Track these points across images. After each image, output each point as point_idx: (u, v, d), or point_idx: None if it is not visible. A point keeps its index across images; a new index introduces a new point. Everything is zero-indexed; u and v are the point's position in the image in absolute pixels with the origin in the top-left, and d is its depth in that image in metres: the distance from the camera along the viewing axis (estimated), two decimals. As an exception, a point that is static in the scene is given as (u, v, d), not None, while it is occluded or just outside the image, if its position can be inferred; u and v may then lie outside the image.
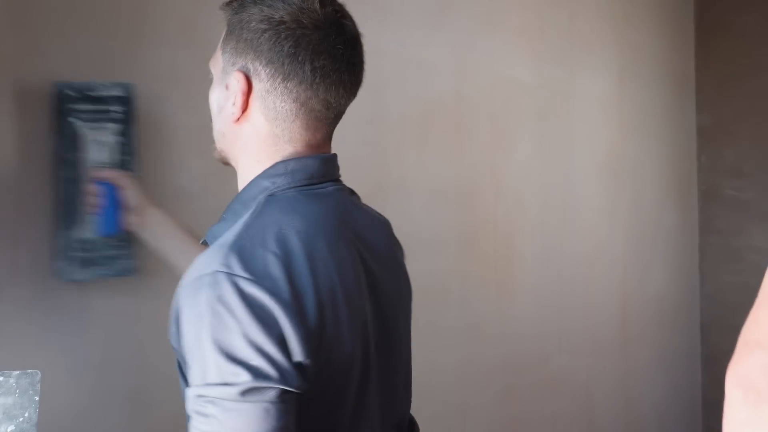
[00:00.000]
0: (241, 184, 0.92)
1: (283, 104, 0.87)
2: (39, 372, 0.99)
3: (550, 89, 2.45)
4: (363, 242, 0.92)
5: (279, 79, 0.86)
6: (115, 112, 1.27)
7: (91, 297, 1.40)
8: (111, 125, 1.26)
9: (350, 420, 0.84)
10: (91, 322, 1.40)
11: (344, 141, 1.82)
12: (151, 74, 1.49)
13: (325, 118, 0.91)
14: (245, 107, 0.89)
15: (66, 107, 1.24)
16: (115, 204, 1.21)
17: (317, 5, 0.86)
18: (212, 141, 1.03)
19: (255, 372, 0.72)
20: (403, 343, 0.98)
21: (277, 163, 0.88)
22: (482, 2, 2.21)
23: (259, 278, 0.76)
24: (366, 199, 1.86)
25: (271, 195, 0.86)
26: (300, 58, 0.85)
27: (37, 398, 0.98)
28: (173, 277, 1.04)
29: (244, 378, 0.72)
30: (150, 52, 1.49)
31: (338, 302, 0.81)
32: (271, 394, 0.72)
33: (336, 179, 0.96)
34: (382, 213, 1.94)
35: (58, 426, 1.33)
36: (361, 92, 1.90)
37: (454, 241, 2.08)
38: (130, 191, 1.23)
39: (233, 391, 0.71)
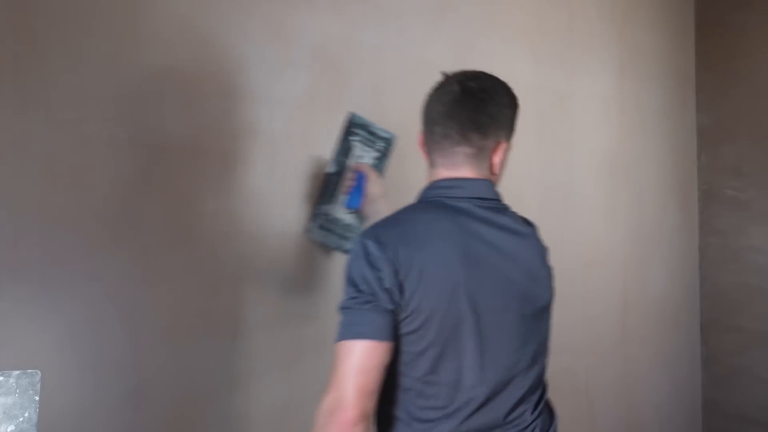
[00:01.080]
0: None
1: None
2: (39, 372, 0.99)
3: (550, 89, 2.45)
4: (477, 240, 1.16)
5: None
6: (379, 145, 1.78)
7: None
8: (373, 152, 1.76)
9: (442, 359, 1.11)
10: (91, 322, 1.40)
11: (344, 141, 1.83)
12: (151, 74, 1.49)
13: None
14: None
15: (352, 130, 1.72)
16: (361, 189, 1.66)
17: None
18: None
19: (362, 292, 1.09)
20: (511, 318, 1.17)
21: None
22: (482, 2, 2.21)
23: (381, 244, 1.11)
24: (365, 198, 1.86)
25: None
26: None
27: (37, 398, 0.98)
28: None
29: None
30: (150, 52, 1.49)
31: (427, 269, 1.09)
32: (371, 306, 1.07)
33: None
34: (384, 212, 1.94)
35: (58, 426, 1.33)
36: (361, 92, 1.91)
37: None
38: (371, 183, 1.64)
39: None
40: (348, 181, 1.69)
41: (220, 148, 1.59)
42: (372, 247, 1.10)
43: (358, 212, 1.69)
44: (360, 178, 1.67)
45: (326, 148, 1.78)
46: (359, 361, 1.05)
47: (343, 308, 1.10)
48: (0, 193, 1.30)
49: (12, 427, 0.95)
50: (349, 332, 1.07)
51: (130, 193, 1.46)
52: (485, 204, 1.20)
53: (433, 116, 1.24)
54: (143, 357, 1.47)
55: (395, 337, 1.09)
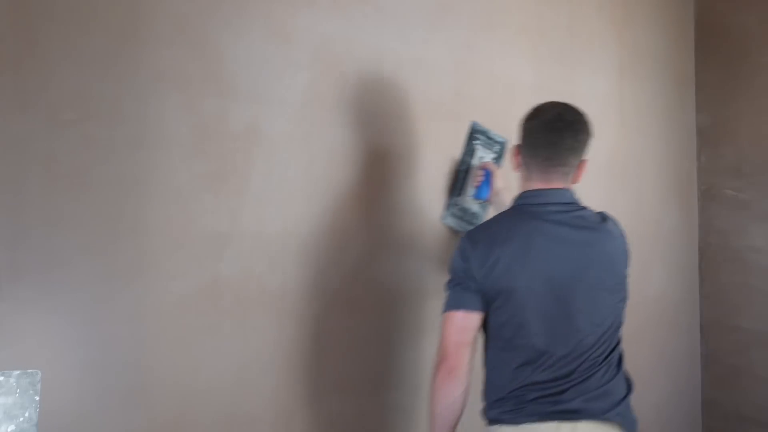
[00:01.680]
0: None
1: None
2: (39, 372, 0.99)
3: (550, 89, 2.45)
4: (548, 236, 1.46)
5: None
6: (496, 148, 2.11)
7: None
8: (491, 154, 2.09)
9: (519, 328, 1.45)
10: (91, 322, 1.40)
11: (344, 141, 1.83)
12: (151, 74, 1.49)
13: None
14: None
15: (474, 135, 2.06)
16: (488, 182, 1.95)
17: None
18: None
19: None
20: (578, 294, 1.45)
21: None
22: (482, 2, 2.21)
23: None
24: (366, 199, 1.86)
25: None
26: None
27: (37, 398, 0.98)
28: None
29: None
30: (150, 52, 1.49)
31: (504, 262, 1.44)
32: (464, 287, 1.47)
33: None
34: (383, 212, 1.94)
35: (58, 426, 1.33)
36: (362, 92, 1.91)
37: (454, 240, 2.08)
38: (496, 178, 1.95)
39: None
40: (477, 177, 1.99)
41: (220, 148, 1.59)
42: (467, 245, 1.49)
43: (486, 202, 2.00)
44: (487, 174, 1.96)
45: (326, 148, 1.78)
46: (457, 325, 1.47)
47: (446, 289, 1.52)
48: (0, 193, 1.31)
49: (12, 427, 0.95)
50: (450, 306, 1.49)
51: (130, 193, 1.46)
52: (566, 207, 1.51)
53: (538, 143, 1.54)
54: (143, 357, 1.47)
55: (485, 310, 1.48)
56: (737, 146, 2.99)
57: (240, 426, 1.61)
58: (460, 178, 2.03)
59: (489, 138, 2.08)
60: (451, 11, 2.11)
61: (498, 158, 2.12)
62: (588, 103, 2.62)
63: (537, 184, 1.54)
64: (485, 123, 2.15)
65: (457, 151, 2.09)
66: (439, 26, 2.07)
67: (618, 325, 1.53)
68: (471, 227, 1.85)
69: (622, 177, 2.77)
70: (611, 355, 1.50)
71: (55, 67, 1.37)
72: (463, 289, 1.48)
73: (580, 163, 1.57)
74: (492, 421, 1.49)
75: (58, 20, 1.38)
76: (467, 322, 1.47)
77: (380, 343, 1.88)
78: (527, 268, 1.44)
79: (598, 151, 2.66)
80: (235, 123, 1.62)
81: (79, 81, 1.40)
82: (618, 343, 1.53)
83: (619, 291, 1.54)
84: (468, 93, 2.14)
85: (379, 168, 1.90)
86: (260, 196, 1.66)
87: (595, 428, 1.43)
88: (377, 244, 1.88)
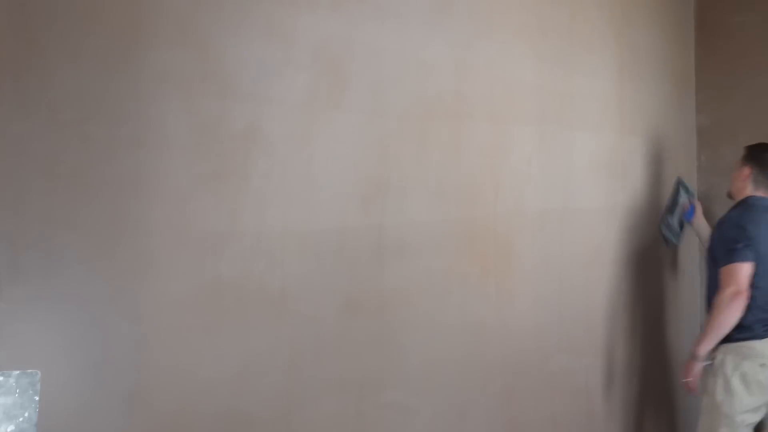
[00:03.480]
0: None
1: None
2: (39, 372, 0.99)
3: (550, 89, 2.45)
4: None
5: None
6: (691, 192, 2.92)
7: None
8: (688, 195, 2.90)
9: (761, 278, 2.31)
10: (91, 322, 1.40)
11: (344, 141, 1.83)
12: (151, 74, 1.49)
13: None
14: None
15: (680, 185, 2.86)
16: (693, 211, 2.79)
17: None
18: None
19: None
20: None
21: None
22: (482, 2, 2.21)
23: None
24: (366, 199, 1.87)
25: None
26: None
27: (37, 398, 0.98)
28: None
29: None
30: (150, 52, 1.49)
31: (759, 237, 2.32)
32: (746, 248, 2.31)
33: None
34: (383, 213, 1.95)
35: (58, 426, 1.33)
36: (362, 92, 1.91)
37: (454, 241, 2.08)
38: (698, 210, 2.79)
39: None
40: (686, 206, 2.82)
41: (220, 148, 1.59)
42: (746, 223, 2.33)
43: (689, 223, 2.82)
44: (692, 206, 2.79)
45: (326, 148, 1.78)
46: (746, 271, 2.27)
47: (734, 249, 2.28)
48: (0, 193, 1.31)
49: (12, 427, 0.95)
50: (742, 258, 2.26)
51: (130, 193, 1.46)
52: None
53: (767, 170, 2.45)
54: (143, 357, 1.47)
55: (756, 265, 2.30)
56: (737, 146, 2.98)
57: (240, 426, 1.61)
58: (674, 204, 2.85)
59: (687, 188, 2.87)
60: (451, 11, 2.11)
61: (691, 197, 2.87)
62: (588, 103, 2.62)
63: (761, 193, 2.42)
64: (485, 123, 2.15)
65: (457, 151, 2.10)
66: (439, 26, 2.07)
67: None
68: (675, 237, 2.86)
69: (621, 177, 2.77)
70: None
71: (55, 67, 1.37)
72: (748, 249, 2.27)
73: None
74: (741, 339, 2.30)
75: (58, 20, 1.38)
76: (749, 270, 2.26)
77: (380, 343, 1.88)
78: (764, 241, 2.31)
79: (598, 151, 2.67)
80: (235, 123, 1.62)
81: (79, 81, 1.40)
82: None
83: None
84: (468, 93, 2.14)
85: (378, 168, 1.90)
86: (260, 196, 1.66)
87: None
88: (377, 244, 1.88)
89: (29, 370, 0.97)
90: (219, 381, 1.57)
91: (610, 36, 2.74)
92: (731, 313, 2.22)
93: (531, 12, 2.39)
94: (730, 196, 2.51)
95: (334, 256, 1.79)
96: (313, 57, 1.77)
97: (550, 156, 2.44)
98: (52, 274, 1.36)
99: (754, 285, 2.27)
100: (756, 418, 2.28)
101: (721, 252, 2.33)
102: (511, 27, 2.30)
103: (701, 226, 2.76)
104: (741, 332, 2.27)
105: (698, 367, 2.30)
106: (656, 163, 2.96)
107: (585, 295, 2.57)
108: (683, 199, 2.83)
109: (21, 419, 0.95)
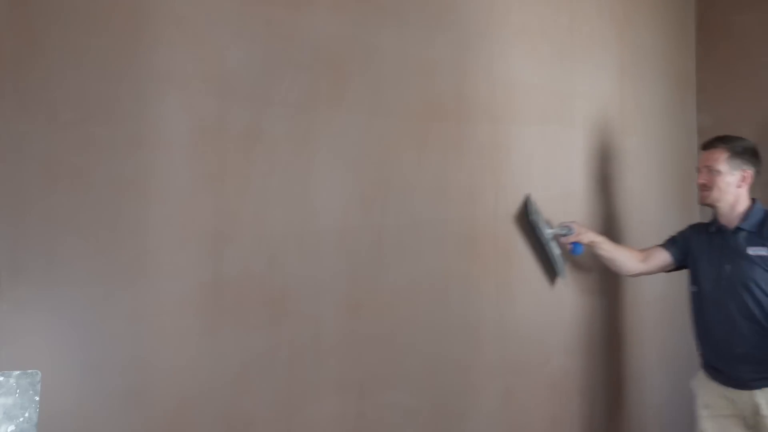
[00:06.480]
0: (739, 210, 2.28)
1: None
2: (39, 372, 0.99)
3: (550, 89, 2.45)
4: None
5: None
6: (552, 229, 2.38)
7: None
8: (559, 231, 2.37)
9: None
10: (91, 322, 1.40)
11: (344, 141, 1.83)
12: (151, 74, 1.49)
13: None
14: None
15: (530, 216, 2.32)
16: (577, 243, 2.36)
17: None
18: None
19: None
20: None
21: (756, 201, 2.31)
22: (482, 2, 2.21)
23: None
24: (366, 199, 1.87)
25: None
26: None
27: (37, 398, 0.98)
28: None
29: None
30: (150, 52, 1.49)
31: None
32: None
33: None
34: (383, 213, 1.95)
35: (58, 426, 1.33)
36: (362, 92, 1.91)
37: (454, 241, 2.08)
38: (582, 237, 2.37)
39: None
40: (563, 243, 2.37)
41: (220, 148, 1.59)
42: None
43: (581, 254, 2.41)
44: (575, 244, 2.37)
45: (326, 148, 1.78)
46: None
47: None
48: (0, 193, 1.31)
49: (12, 427, 0.95)
50: None
51: (130, 193, 1.46)
52: None
53: (761, 167, 2.28)
54: (143, 357, 1.47)
55: None
56: (737, 146, 2.98)
57: (240, 426, 1.61)
58: (547, 249, 2.34)
59: (538, 212, 2.31)
60: (452, 11, 2.11)
61: (559, 234, 2.37)
62: (588, 103, 2.62)
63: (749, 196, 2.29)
64: (486, 123, 2.15)
65: (457, 151, 2.10)
66: (439, 26, 2.07)
67: None
68: (561, 270, 2.38)
69: (622, 177, 2.77)
70: None
71: (56, 67, 1.37)
72: None
73: None
74: None
75: (58, 20, 1.38)
76: None
77: (380, 343, 1.88)
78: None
79: (598, 151, 2.67)
80: (235, 123, 1.62)
81: (79, 81, 1.39)
82: None
83: None
84: (468, 93, 2.14)
85: (379, 168, 1.90)
86: (260, 196, 1.66)
87: None
88: (377, 244, 1.88)
89: (29, 370, 0.98)
90: (219, 381, 1.57)
91: (611, 36, 2.74)
92: None
93: (531, 12, 2.39)
94: (712, 204, 2.29)
95: (334, 256, 1.79)
96: (313, 57, 1.77)
97: (550, 156, 2.44)
98: (53, 274, 1.36)
99: None
100: None
101: None
102: (511, 27, 2.30)
103: (604, 247, 2.40)
104: None
105: None
106: (656, 163, 2.96)
107: (585, 294, 2.57)
108: (551, 229, 2.34)
109: (21, 419, 0.95)
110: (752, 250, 2.18)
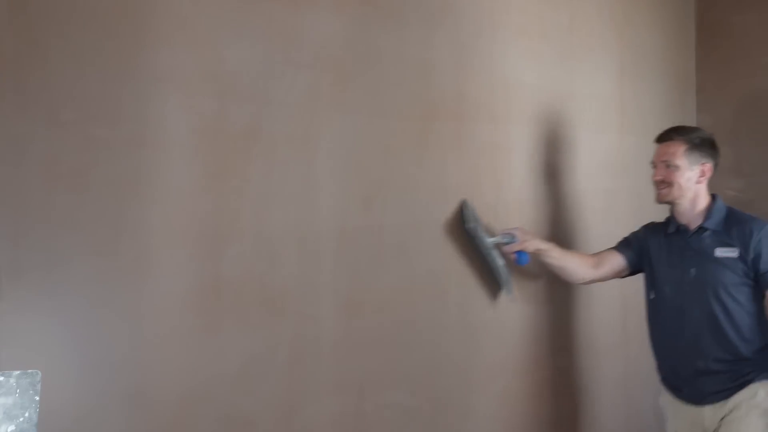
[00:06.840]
0: (699, 207, 2.09)
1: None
2: (39, 372, 0.99)
3: (550, 89, 2.45)
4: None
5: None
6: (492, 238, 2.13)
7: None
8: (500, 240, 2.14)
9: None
10: (91, 322, 1.40)
11: (344, 141, 1.83)
12: (151, 74, 1.49)
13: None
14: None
15: (467, 224, 2.08)
16: (521, 252, 2.13)
17: None
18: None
19: None
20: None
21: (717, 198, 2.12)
22: (482, 2, 2.21)
23: None
24: (366, 199, 1.87)
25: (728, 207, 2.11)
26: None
27: (37, 398, 0.98)
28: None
29: None
30: (150, 52, 1.49)
31: None
32: None
33: None
34: (383, 213, 1.94)
35: (58, 426, 1.33)
36: (362, 92, 1.91)
37: (454, 241, 2.08)
38: (527, 245, 2.13)
39: None
40: (510, 256, 2.14)
41: (220, 148, 1.59)
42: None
43: (527, 263, 2.18)
44: (520, 253, 2.14)
45: (326, 148, 1.78)
46: None
47: None
48: (0, 193, 1.31)
49: (12, 427, 0.95)
50: None
51: (130, 193, 1.46)
52: None
53: (719, 159, 2.11)
54: (143, 357, 1.47)
55: None
56: (737, 146, 2.99)
57: (240, 426, 1.61)
58: (489, 260, 2.14)
59: (476, 219, 2.09)
60: (452, 11, 2.11)
61: (501, 242, 2.14)
62: (588, 104, 2.62)
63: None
64: (486, 123, 2.15)
65: (457, 151, 2.10)
66: (439, 26, 2.07)
67: None
68: (503, 286, 2.17)
69: (622, 177, 2.77)
70: None
71: (56, 67, 1.37)
72: None
73: None
74: None
75: (58, 20, 1.38)
76: None
77: (380, 343, 1.88)
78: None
79: (598, 151, 2.67)
80: (235, 123, 1.62)
81: (79, 81, 1.39)
82: None
83: None
84: (468, 93, 2.14)
85: (379, 168, 1.90)
86: (260, 196, 1.66)
87: None
88: (377, 244, 1.88)
89: (30, 370, 0.97)
90: (219, 381, 1.57)
91: (611, 36, 2.74)
92: None
93: (531, 13, 2.39)
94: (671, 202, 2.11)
95: (334, 256, 1.79)
96: (313, 57, 1.77)
97: (551, 156, 2.44)
98: (53, 273, 1.36)
99: None
100: None
101: None
102: (511, 27, 2.30)
103: (553, 255, 2.17)
104: None
105: None
106: (656, 163, 2.95)
107: (585, 295, 2.57)
108: (492, 238, 2.11)
109: (21, 419, 0.95)
110: (720, 252, 1.99)
